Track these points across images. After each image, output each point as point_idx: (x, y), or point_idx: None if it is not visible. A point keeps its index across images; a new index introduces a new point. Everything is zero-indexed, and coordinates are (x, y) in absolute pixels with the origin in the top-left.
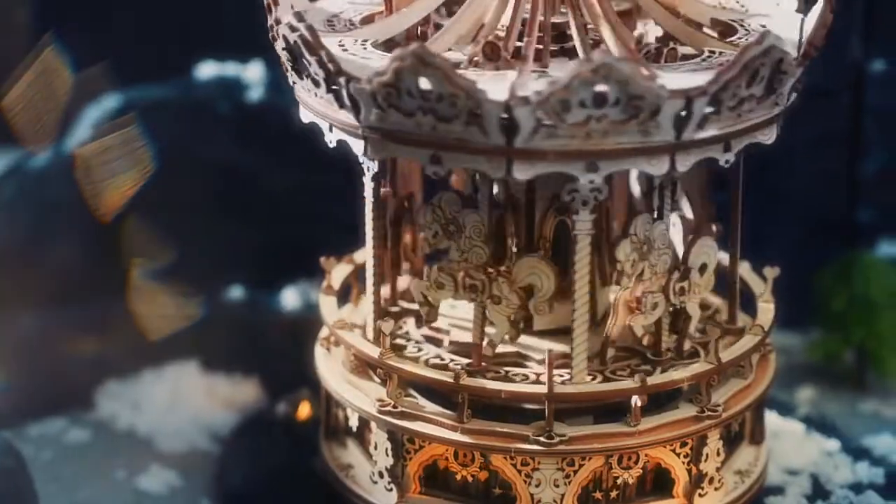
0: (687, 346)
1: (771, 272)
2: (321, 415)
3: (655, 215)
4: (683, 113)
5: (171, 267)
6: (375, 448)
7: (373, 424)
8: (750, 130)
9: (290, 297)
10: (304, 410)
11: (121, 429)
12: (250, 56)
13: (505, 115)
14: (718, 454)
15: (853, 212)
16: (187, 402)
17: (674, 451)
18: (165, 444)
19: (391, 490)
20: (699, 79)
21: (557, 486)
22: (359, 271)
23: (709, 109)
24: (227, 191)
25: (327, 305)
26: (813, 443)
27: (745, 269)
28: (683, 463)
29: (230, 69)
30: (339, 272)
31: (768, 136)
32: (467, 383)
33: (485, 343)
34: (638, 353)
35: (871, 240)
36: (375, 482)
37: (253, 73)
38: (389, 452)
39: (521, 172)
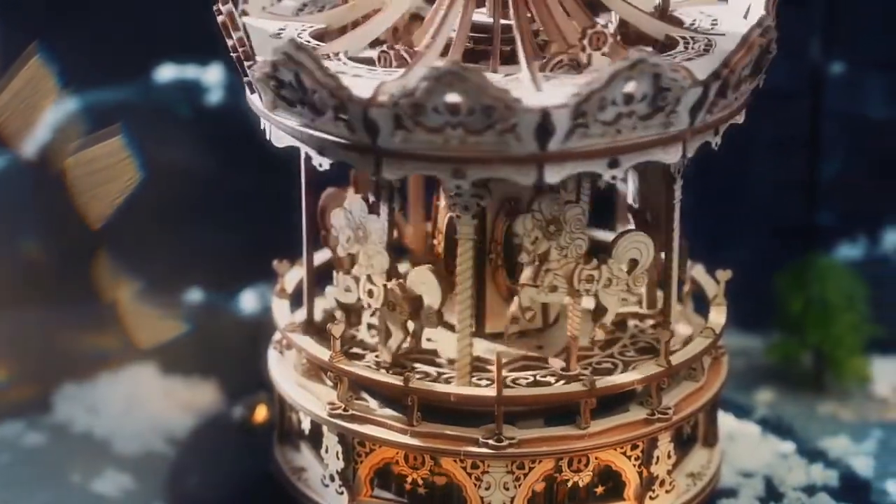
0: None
1: (723, 275)
2: (275, 418)
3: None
4: (699, 101)
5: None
6: (327, 451)
7: (324, 428)
8: (735, 113)
9: (248, 300)
10: (261, 413)
11: (77, 432)
12: (210, 58)
13: (541, 121)
14: (669, 457)
15: (812, 215)
16: (144, 405)
17: (624, 453)
18: (122, 448)
19: (342, 493)
20: (703, 65)
21: (507, 489)
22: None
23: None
24: (187, 193)
25: (280, 309)
26: (769, 445)
27: (699, 272)
28: (634, 465)
29: (190, 72)
30: (292, 275)
31: (742, 117)
32: (416, 386)
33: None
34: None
35: (831, 243)
36: (327, 485)
37: (213, 75)
38: (340, 456)
39: (552, 175)
